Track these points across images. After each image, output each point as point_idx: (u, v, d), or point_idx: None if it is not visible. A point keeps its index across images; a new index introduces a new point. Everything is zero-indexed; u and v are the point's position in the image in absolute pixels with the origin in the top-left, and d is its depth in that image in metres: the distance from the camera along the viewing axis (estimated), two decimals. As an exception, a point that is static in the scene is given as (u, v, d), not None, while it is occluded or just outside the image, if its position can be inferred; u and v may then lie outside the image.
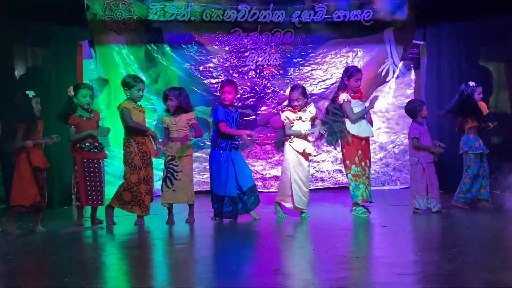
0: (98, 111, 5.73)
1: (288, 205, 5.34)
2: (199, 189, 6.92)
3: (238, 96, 5.90)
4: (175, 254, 4.13)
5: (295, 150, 5.32)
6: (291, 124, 5.36)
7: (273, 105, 7.59)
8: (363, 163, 5.36)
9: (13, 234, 4.76)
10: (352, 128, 5.33)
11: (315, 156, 5.57)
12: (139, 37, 7.30)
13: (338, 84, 5.65)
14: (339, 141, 5.40)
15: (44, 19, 6.33)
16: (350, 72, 5.43)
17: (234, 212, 5.23)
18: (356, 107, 5.39)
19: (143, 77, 6.79)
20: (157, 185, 7.24)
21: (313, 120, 5.40)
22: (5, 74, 6.27)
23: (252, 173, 7.33)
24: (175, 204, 5.25)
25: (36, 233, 4.83)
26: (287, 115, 5.38)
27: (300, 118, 5.34)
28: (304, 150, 5.30)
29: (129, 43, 7.28)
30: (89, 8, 7.03)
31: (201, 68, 7.47)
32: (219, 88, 5.49)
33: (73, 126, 5.11)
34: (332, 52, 7.65)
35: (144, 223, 5.15)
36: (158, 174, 7.27)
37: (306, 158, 5.37)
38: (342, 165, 7.48)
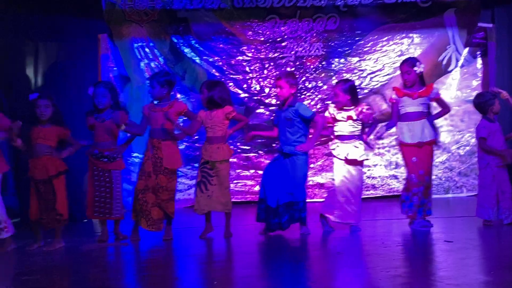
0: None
1: (333, 218, 5.36)
2: (233, 199, 6.99)
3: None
4: (208, 274, 4.22)
5: (336, 156, 5.34)
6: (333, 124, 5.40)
7: (314, 102, 7.61)
8: (414, 175, 5.33)
9: (31, 251, 4.96)
10: (399, 132, 5.35)
11: (366, 159, 5.53)
12: (163, 29, 7.44)
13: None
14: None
15: (56, 11, 6.52)
16: (400, 65, 5.45)
17: (264, 221, 5.31)
18: (402, 107, 5.35)
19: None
20: (185, 195, 7.46)
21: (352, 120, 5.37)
22: (17, 72, 6.51)
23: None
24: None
25: (52, 250, 4.97)
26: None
27: (333, 115, 5.37)
28: (345, 157, 5.30)
29: (152, 35, 7.43)
30: (107, -3, 7.23)
31: (232, 61, 7.56)
32: None
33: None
34: (384, 39, 7.61)
35: (172, 237, 5.26)
36: (187, 183, 7.49)
37: (358, 164, 5.37)
38: (397, 170, 7.59)
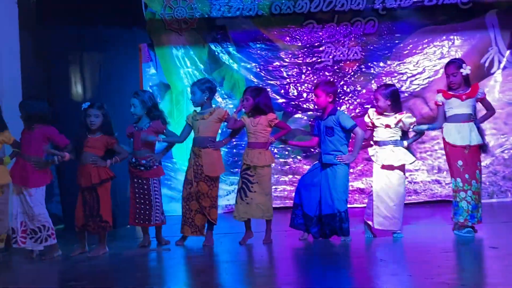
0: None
1: (375, 225, 5.30)
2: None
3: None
4: (251, 280, 4.24)
5: (376, 163, 5.30)
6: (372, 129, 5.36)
7: (352, 107, 7.56)
8: (459, 179, 5.23)
9: (76, 257, 5.07)
10: (447, 134, 5.25)
11: (410, 163, 5.45)
12: (201, 37, 7.53)
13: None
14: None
15: (99, 22, 6.69)
16: (445, 66, 5.38)
17: (306, 228, 5.34)
18: (450, 109, 5.27)
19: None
20: (224, 200, 7.51)
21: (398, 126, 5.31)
22: (63, 82, 6.69)
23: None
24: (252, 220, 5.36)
25: (96, 256, 5.06)
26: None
27: (373, 122, 5.32)
28: (384, 163, 5.24)
29: (191, 43, 7.53)
30: (147, 7, 7.34)
31: (270, 67, 7.59)
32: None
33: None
34: (424, 42, 7.52)
35: (213, 243, 5.31)
36: (226, 189, 7.54)
37: (397, 170, 5.30)
38: (440, 174, 7.47)
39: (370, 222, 5.32)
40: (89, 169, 5.07)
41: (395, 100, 5.31)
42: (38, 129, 5.00)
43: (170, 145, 5.54)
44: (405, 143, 5.32)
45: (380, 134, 5.32)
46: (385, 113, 5.30)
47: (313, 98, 5.37)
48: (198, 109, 5.43)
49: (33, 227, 4.98)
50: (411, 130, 5.33)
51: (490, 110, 5.44)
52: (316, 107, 5.38)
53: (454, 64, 5.32)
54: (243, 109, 5.38)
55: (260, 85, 7.45)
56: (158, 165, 5.41)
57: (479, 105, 5.43)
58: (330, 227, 5.25)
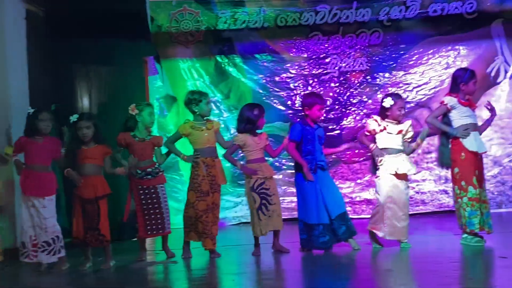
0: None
1: (381, 234, 5.29)
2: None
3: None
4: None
5: (386, 172, 5.28)
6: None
7: (359, 117, 7.57)
8: (483, 185, 5.23)
9: (84, 270, 5.07)
10: (468, 142, 5.21)
11: (414, 174, 5.49)
12: (208, 49, 7.58)
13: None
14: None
15: (105, 35, 6.75)
16: (468, 75, 5.30)
17: (331, 242, 5.25)
18: (466, 117, 5.27)
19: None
20: (232, 213, 7.51)
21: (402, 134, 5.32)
22: (69, 96, 6.75)
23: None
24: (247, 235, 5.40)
25: (103, 269, 5.05)
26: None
27: (385, 128, 5.30)
28: (396, 172, 5.24)
29: (198, 56, 7.57)
30: (154, 20, 7.41)
31: (276, 79, 7.61)
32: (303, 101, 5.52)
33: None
34: (429, 52, 7.53)
35: (220, 255, 5.31)
36: (233, 201, 7.54)
37: (404, 179, 5.30)
38: (447, 184, 7.43)
39: (378, 232, 5.29)
40: (94, 181, 5.06)
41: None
42: (47, 140, 5.07)
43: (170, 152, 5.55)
44: (415, 144, 5.35)
45: (388, 141, 5.31)
46: (396, 121, 5.32)
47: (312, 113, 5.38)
48: (197, 119, 5.38)
49: (46, 239, 4.98)
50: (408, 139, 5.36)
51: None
52: (318, 119, 5.42)
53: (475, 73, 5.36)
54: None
55: (266, 96, 7.52)
56: (162, 172, 5.45)
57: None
58: (346, 226, 5.26)
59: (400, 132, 5.29)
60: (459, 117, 5.27)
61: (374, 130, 5.33)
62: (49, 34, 6.63)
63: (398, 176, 5.25)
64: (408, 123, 5.36)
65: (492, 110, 5.45)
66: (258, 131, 5.46)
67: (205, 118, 5.42)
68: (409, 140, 5.37)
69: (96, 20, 6.64)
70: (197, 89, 7.44)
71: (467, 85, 5.28)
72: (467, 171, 5.22)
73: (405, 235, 5.26)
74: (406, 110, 5.56)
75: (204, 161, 5.30)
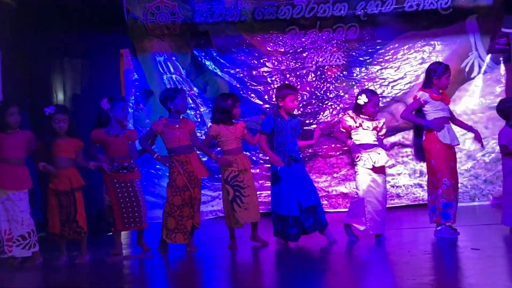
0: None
1: (362, 227, 5.33)
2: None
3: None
4: (236, 285, 4.24)
5: (364, 167, 5.33)
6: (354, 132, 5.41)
7: (335, 112, 7.61)
8: (456, 177, 5.32)
9: (58, 264, 5.03)
10: (442, 135, 5.29)
11: (392, 165, 5.55)
12: (184, 42, 7.54)
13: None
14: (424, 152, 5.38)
15: (80, 27, 6.68)
16: (441, 70, 5.36)
17: (299, 234, 5.29)
18: (439, 110, 5.35)
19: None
20: (209, 207, 7.50)
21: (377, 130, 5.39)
22: (44, 88, 6.67)
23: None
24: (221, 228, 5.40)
25: (78, 263, 5.03)
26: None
27: (361, 125, 5.36)
28: (373, 165, 5.29)
29: (174, 49, 7.53)
30: (129, 13, 7.34)
31: (253, 73, 7.61)
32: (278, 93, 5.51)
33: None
34: (405, 47, 7.61)
35: (197, 249, 5.30)
36: (210, 195, 7.54)
37: (382, 172, 5.36)
38: (422, 178, 7.53)
39: (357, 225, 5.34)
40: (68, 173, 5.05)
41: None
42: (20, 133, 5.02)
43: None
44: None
45: (364, 137, 5.36)
46: (371, 117, 5.37)
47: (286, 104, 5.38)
48: (172, 116, 5.34)
49: (22, 233, 4.93)
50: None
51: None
52: (292, 110, 5.43)
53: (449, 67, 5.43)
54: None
55: (244, 91, 7.53)
56: (137, 168, 5.43)
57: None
58: (313, 218, 5.29)
59: (375, 128, 5.35)
60: (432, 111, 5.34)
61: (350, 126, 5.36)
62: (22, 26, 6.53)
63: (376, 170, 5.30)
64: (382, 120, 5.42)
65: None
66: (236, 121, 5.46)
67: (181, 115, 5.39)
68: (382, 137, 5.44)
69: (71, 12, 6.56)
70: (173, 83, 7.42)
71: (440, 79, 5.35)
72: (441, 163, 5.30)
73: (383, 228, 5.32)
74: (380, 106, 5.62)
75: (178, 159, 5.29)
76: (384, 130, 5.43)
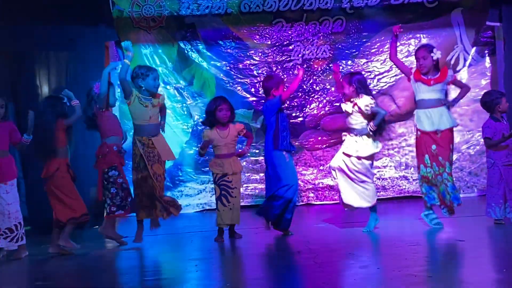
0: None
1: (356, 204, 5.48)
2: (242, 203, 7.04)
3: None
4: (221, 278, 4.26)
5: (343, 153, 5.38)
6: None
7: (321, 105, 7.64)
8: (435, 163, 5.32)
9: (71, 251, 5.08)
10: (418, 121, 5.35)
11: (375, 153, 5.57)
12: (171, 35, 7.50)
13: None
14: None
15: (65, 19, 6.62)
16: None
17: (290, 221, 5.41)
18: (421, 93, 5.37)
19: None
20: (195, 200, 7.51)
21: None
22: (28, 81, 6.61)
23: (302, 183, 7.47)
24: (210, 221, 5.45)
25: (63, 256, 5.04)
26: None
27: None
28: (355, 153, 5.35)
29: (160, 41, 7.48)
30: (115, 5, 7.27)
31: (240, 66, 7.61)
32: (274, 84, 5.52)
33: None
34: (391, 40, 7.62)
35: (160, 225, 5.34)
36: (197, 188, 7.55)
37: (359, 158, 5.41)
38: (407, 171, 7.60)
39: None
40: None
41: (359, 87, 5.35)
42: (2, 125, 5.04)
43: None
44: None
45: (352, 121, 5.41)
46: (351, 100, 5.39)
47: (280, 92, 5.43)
48: (143, 94, 5.24)
49: (9, 226, 4.95)
50: (368, 111, 5.31)
51: (464, 87, 5.63)
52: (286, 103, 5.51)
53: (425, 48, 5.43)
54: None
55: (230, 83, 7.52)
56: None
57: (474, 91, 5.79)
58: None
59: (355, 104, 5.38)
60: (421, 93, 5.40)
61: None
62: (7, 17, 6.46)
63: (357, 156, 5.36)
64: (356, 100, 5.40)
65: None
66: (233, 122, 5.50)
67: (150, 95, 5.27)
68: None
69: (56, 4, 6.50)
70: (163, 76, 7.38)
71: (417, 60, 5.42)
72: (418, 150, 5.39)
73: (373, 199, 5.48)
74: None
75: (140, 140, 5.20)
76: (356, 108, 5.38)
